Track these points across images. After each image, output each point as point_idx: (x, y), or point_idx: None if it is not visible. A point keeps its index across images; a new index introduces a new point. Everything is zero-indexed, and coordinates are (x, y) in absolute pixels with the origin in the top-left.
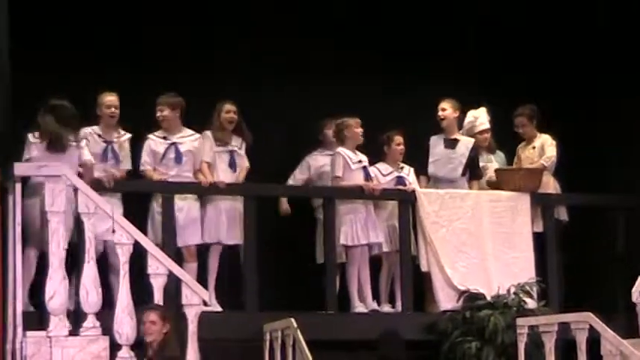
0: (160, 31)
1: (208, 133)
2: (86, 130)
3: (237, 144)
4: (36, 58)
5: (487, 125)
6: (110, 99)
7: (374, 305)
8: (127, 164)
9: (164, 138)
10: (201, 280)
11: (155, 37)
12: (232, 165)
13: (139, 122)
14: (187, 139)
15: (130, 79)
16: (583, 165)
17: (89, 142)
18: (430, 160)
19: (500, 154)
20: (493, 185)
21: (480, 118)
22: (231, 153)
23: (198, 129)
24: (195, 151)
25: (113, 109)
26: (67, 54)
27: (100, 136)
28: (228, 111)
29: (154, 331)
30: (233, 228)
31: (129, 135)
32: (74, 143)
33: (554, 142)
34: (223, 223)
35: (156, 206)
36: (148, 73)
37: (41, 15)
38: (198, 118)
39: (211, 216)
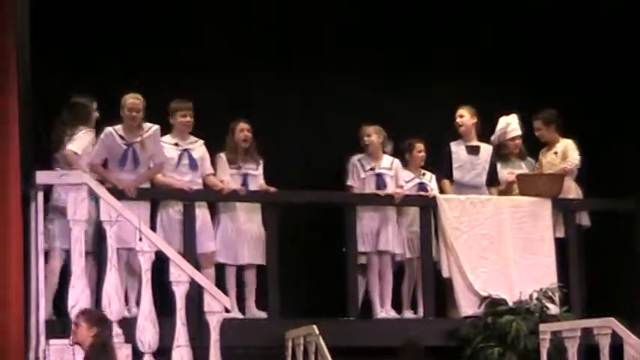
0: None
1: (222, 155)
2: (108, 130)
3: (252, 166)
4: (56, 64)
5: (519, 132)
6: (132, 102)
7: (392, 313)
8: (158, 158)
9: (176, 144)
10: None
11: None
12: (244, 186)
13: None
14: (195, 145)
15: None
16: (605, 170)
17: (107, 141)
18: (454, 166)
19: (530, 161)
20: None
21: (512, 124)
22: (245, 176)
23: (204, 136)
24: (203, 157)
25: (135, 113)
26: (87, 54)
27: (122, 137)
28: (242, 129)
29: (76, 332)
30: (249, 247)
31: (154, 128)
32: (69, 137)
33: (576, 147)
34: (240, 243)
35: (173, 213)
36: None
37: (62, 13)
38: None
39: (226, 235)
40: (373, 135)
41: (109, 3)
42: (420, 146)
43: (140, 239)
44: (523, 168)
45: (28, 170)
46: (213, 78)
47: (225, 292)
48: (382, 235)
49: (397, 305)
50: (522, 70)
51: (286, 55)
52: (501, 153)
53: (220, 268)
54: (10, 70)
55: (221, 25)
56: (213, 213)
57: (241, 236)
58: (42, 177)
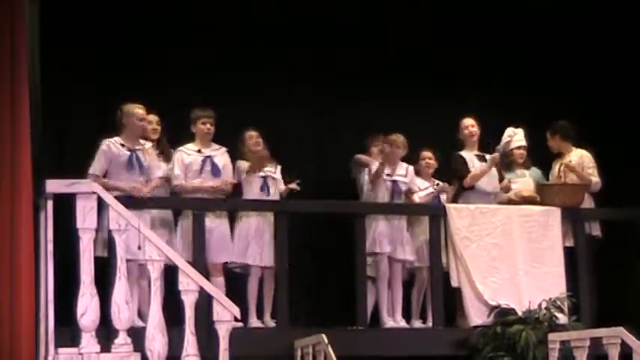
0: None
1: (241, 162)
2: (107, 141)
3: (270, 168)
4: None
5: (524, 143)
6: (141, 112)
7: (402, 323)
8: (158, 171)
9: (198, 151)
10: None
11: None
12: (264, 189)
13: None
14: (218, 152)
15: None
16: (615, 180)
17: (108, 152)
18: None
19: (535, 170)
20: (527, 200)
21: (518, 134)
22: (265, 179)
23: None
24: (226, 165)
25: (144, 122)
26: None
27: (122, 145)
28: (251, 137)
29: None
30: (265, 249)
31: (149, 144)
32: None
33: (595, 165)
34: (255, 245)
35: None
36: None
37: (71, 13)
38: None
39: (242, 236)
40: (402, 148)
41: (122, 7)
42: (425, 154)
43: (139, 247)
44: (526, 177)
45: (39, 178)
46: (224, 86)
47: (246, 300)
48: (396, 244)
49: (406, 314)
50: (525, 77)
51: (298, 66)
52: (505, 162)
53: (242, 276)
54: (21, 78)
55: (228, 32)
56: (233, 220)
57: (258, 241)
58: (52, 185)
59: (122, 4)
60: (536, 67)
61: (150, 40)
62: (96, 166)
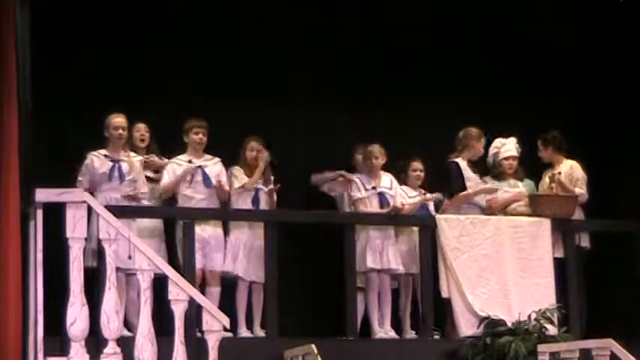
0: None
1: (236, 169)
2: (91, 155)
3: (261, 181)
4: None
5: (513, 153)
6: (117, 120)
7: (391, 333)
8: (143, 186)
9: (189, 162)
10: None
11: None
12: (255, 202)
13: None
14: (210, 162)
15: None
16: (605, 192)
17: (91, 166)
18: (467, 184)
19: (528, 182)
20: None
21: (506, 145)
22: (256, 190)
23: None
24: (219, 174)
25: (121, 131)
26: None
27: (106, 156)
28: (252, 149)
29: None
30: (255, 263)
31: (139, 157)
32: None
33: (584, 177)
34: (245, 258)
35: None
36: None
37: (64, 16)
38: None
39: (233, 248)
40: (380, 157)
41: (122, 8)
42: (415, 165)
43: (129, 257)
44: (520, 187)
45: (27, 187)
46: (224, 87)
47: (235, 309)
48: (385, 254)
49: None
50: (521, 91)
51: (298, 66)
52: (495, 172)
53: (231, 286)
54: (10, 85)
55: (228, 32)
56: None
57: (248, 252)
58: (41, 194)
59: (122, 4)
60: (537, 70)
61: (150, 40)
62: (82, 180)
